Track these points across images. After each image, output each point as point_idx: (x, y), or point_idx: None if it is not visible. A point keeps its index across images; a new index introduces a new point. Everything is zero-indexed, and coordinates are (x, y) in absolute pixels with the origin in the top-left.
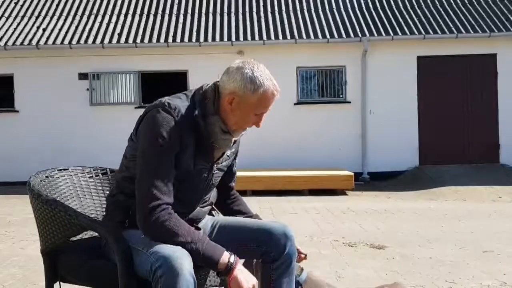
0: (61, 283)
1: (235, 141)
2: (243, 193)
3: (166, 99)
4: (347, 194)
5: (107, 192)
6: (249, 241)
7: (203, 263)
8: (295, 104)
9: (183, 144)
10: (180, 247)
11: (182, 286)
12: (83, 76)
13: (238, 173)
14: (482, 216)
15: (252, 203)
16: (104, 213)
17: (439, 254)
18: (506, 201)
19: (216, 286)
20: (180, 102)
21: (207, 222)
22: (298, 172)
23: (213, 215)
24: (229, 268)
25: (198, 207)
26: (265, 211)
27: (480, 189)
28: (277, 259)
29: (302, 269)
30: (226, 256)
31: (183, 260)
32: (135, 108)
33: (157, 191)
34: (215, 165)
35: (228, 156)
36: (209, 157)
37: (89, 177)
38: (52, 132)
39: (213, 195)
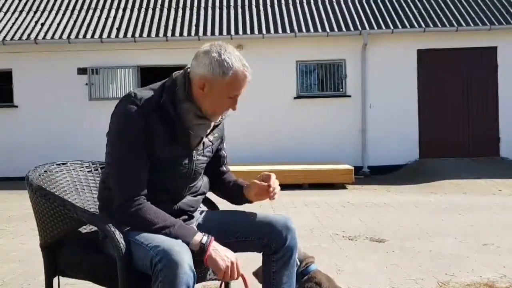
0: (60, 277)
1: (216, 126)
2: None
3: (133, 90)
4: (347, 188)
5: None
6: (250, 233)
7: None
8: (295, 98)
9: (151, 133)
10: (180, 241)
11: (182, 279)
12: (82, 71)
13: (238, 168)
14: (482, 209)
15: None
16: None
17: (439, 247)
18: (506, 194)
19: (217, 279)
20: (147, 92)
21: (205, 216)
22: (298, 166)
23: (216, 208)
24: (203, 248)
25: (188, 195)
26: (265, 205)
27: (480, 182)
28: (278, 251)
29: (313, 260)
30: (199, 236)
31: (183, 254)
32: None
33: (124, 185)
34: (195, 152)
35: (211, 142)
36: (186, 144)
37: (88, 171)
38: (51, 127)
39: (204, 184)
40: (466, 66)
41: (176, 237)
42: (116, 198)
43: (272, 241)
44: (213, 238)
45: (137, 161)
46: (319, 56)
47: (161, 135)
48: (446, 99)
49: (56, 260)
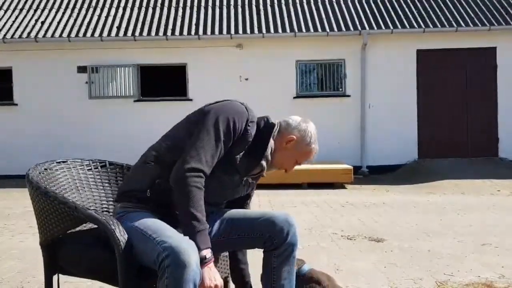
0: (60, 275)
1: (259, 177)
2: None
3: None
4: (346, 188)
5: (106, 185)
6: (253, 230)
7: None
8: (294, 97)
9: (243, 138)
10: (187, 238)
11: (189, 277)
12: (81, 69)
13: None
14: (481, 209)
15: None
16: (124, 180)
17: (437, 247)
18: (505, 194)
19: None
20: (253, 110)
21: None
22: (297, 166)
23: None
24: (202, 263)
25: (213, 204)
26: (264, 205)
27: (479, 183)
28: (279, 247)
29: (303, 261)
30: (207, 252)
31: (191, 252)
32: (134, 101)
33: (204, 159)
34: (245, 178)
35: (253, 182)
36: (250, 165)
37: (88, 169)
38: (51, 126)
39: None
40: (465, 67)
41: (194, 237)
42: (189, 158)
43: (274, 237)
44: (213, 259)
45: (221, 148)
46: (319, 56)
47: (244, 145)
48: (445, 100)
49: (55, 258)
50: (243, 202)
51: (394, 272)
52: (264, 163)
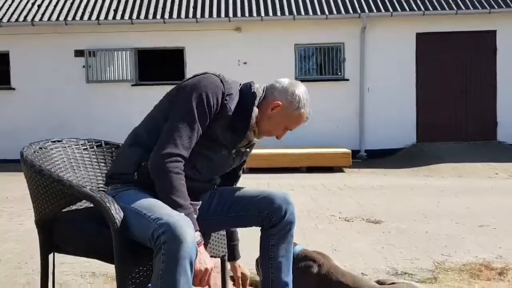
0: (57, 256)
1: (252, 145)
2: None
3: (220, 73)
4: (344, 172)
5: (102, 165)
6: (250, 207)
7: None
8: None
9: (220, 113)
10: (183, 215)
11: (185, 253)
12: (79, 53)
13: None
14: (479, 192)
15: (249, 180)
16: (112, 164)
17: (435, 228)
18: (503, 177)
19: (213, 256)
20: (230, 81)
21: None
22: (296, 150)
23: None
24: None
25: (204, 182)
26: (262, 185)
27: (477, 166)
28: (276, 225)
29: (294, 243)
30: (197, 234)
31: (187, 229)
32: (132, 85)
33: (180, 142)
34: (234, 151)
35: (243, 153)
36: (238, 138)
37: (83, 149)
38: (49, 110)
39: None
40: (465, 50)
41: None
42: (164, 143)
43: (271, 215)
44: (203, 242)
45: (198, 127)
46: (318, 39)
47: (226, 119)
48: (444, 83)
49: (51, 236)
50: (238, 170)
51: (391, 252)
52: (250, 134)
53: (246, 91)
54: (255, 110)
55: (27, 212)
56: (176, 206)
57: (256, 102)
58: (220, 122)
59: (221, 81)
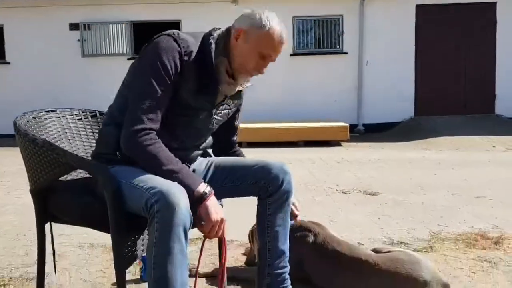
0: (52, 223)
1: (239, 92)
2: (239, 145)
3: (176, 30)
4: (342, 146)
5: (97, 135)
6: (247, 177)
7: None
8: (291, 55)
9: (184, 76)
10: (176, 183)
11: (179, 221)
12: (74, 26)
13: None
14: (476, 165)
15: (247, 155)
16: (95, 144)
17: (431, 200)
18: (500, 150)
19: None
20: (189, 37)
21: (201, 162)
22: (294, 124)
23: (210, 155)
24: (203, 198)
25: (193, 149)
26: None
27: (474, 139)
28: (273, 194)
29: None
30: (203, 187)
31: (180, 196)
32: (128, 59)
33: (144, 115)
34: (215, 109)
35: (229, 106)
36: (211, 98)
37: (78, 119)
38: (44, 84)
39: (208, 141)
40: (465, 22)
41: (181, 183)
42: (129, 124)
43: (268, 184)
44: (213, 192)
45: (162, 96)
46: (316, 12)
47: (192, 81)
48: (443, 56)
49: (47, 206)
50: (233, 120)
51: (388, 223)
52: (225, 88)
53: (205, 43)
54: (222, 60)
55: (25, 186)
56: (169, 174)
57: (213, 49)
58: (186, 86)
59: (175, 40)
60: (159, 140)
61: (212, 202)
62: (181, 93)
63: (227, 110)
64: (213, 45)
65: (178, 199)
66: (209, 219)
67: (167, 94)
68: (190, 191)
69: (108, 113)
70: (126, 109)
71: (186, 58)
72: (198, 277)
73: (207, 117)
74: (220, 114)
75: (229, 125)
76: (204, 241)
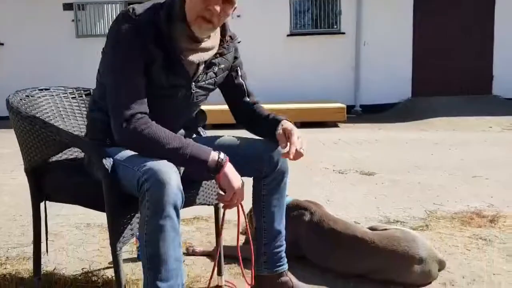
0: (47, 202)
1: (221, 55)
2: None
3: (131, 7)
4: (339, 126)
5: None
6: (241, 158)
7: (192, 166)
8: (288, 35)
9: (150, 54)
10: (166, 161)
11: (169, 199)
12: (67, 6)
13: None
14: (473, 145)
15: (244, 136)
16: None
17: (428, 179)
18: (496, 131)
19: (207, 204)
20: (146, 12)
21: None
22: (290, 105)
23: (200, 135)
24: (220, 166)
25: (181, 129)
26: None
27: (471, 120)
28: (269, 175)
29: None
30: (215, 154)
31: (171, 174)
32: None
33: (128, 101)
34: (194, 84)
35: (215, 73)
36: (182, 72)
37: (72, 97)
38: (38, 65)
39: (201, 118)
40: (463, 2)
41: (192, 157)
42: (116, 116)
43: (263, 165)
44: (228, 158)
45: (140, 81)
46: None
47: (158, 59)
48: (441, 37)
49: (41, 184)
50: (238, 96)
51: (384, 202)
52: (187, 56)
53: (155, 14)
54: (177, 27)
55: (20, 168)
56: (175, 152)
57: (162, 19)
58: (155, 65)
59: (132, 20)
60: (153, 122)
61: (229, 168)
62: (153, 74)
63: (212, 79)
64: (161, 14)
65: (168, 177)
66: (231, 186)
67: (141, 77)
68: (202, 162)
69: (91, 99)
70: (105, 94)
71: (146, 36)
72: (196, 255)
73: (187, 94)
74: (204, 86)
75: (231, 88)
76: (224, 211)
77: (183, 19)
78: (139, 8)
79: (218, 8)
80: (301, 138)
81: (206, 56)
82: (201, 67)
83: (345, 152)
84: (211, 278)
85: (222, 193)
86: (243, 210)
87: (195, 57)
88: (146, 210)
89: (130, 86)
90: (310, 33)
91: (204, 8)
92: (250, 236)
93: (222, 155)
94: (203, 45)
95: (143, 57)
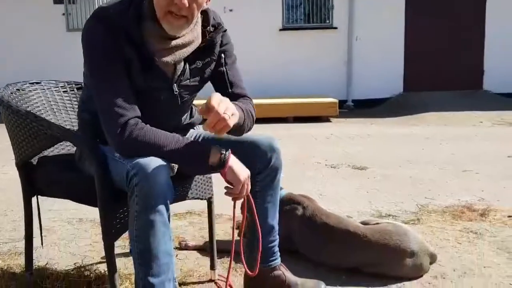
0: (38, 196)
1: (204, 49)
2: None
3: (100, 6)
4: (331, 121)
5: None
6: (235, 153)
7: (194, 164)
8: (280, 30)
9: (126, 55)
10: (154, 157)
11: (157, 194)
12: (58, 0)
13: None
14: (463, 140)
15: None
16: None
17: (419, 173)
18: (487, 125)
19: (200, 198)
20: (116, 13)
21: (190, 135)
22: (283, 100)
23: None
24: (224, 161)
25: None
26: (248, 134)
27: (462, 115)
28: (262, 172)
29: (281, 188)
30: (217, 149)
31: (160, 169)
32: None
33: (118, 108)
34: (176, 85)
35: (198, 70)
36: (160, 75)
37: (63, 91)
38: (28, 59)
39: (196, 118)
40: None
41: (191, 154)
42: (109, 125)
43: (256, 161)
44: (231, 151)
45: (125, 84)
46: None
47: (134, 61)
48: (432, 32)
49: (33, 180)
50: (223, 88)
51: (376, 196)
52: (161, 56)
53: (124, 15)
54: (147, 26)
55: (11, 163)
56: (174, 153)
57: (131, 17)
58: (131, 68)
59: (100, 20)
60: (147, 125)
61: (234, 161)
62: (133, 76)
63: (198, 76)
64: (129, 14)
65: (157, 172)
66: (238, 180)
67: (123, 78)
68: (204, 157)
69: (80, 100)
70: (92, 96)
71: (119, 36)
72: (189, 250)
73: (171, 97)
74: (189, 85)
75: (216, 78)
76: (234, 203)
77: (153, 17)
78: (110, 8)
79: (184, 0)
80: (225, 102)
81: (184, 53)
82: (180, 66)
83: (337, 147)
84: (228, 277)
85: (230, 186)
86: (251, 199)
87: (170, 58)
88: (135, 205)
89: (115, 90)
90: (303, 27)
91: (169, 2)
92: (243, 228)
93: (224, 150)
94: (179, 41)
95: (121, 57)
